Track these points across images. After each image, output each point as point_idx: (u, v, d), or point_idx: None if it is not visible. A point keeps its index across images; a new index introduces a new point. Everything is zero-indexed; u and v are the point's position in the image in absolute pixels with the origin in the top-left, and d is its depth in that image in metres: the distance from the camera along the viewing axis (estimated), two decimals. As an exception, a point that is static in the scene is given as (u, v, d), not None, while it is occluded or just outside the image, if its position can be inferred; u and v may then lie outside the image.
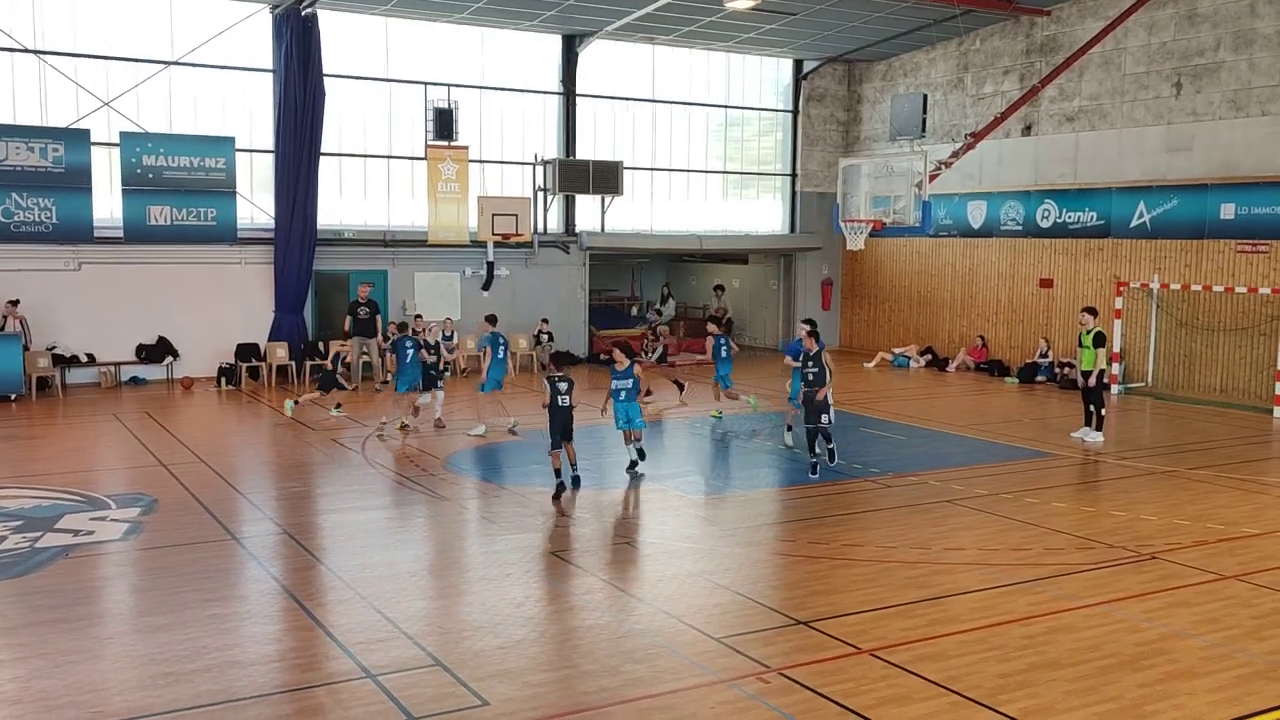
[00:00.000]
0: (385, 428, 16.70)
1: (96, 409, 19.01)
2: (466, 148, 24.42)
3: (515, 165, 25.86)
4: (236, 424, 18.49)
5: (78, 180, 20.62)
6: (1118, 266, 22.94)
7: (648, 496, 13.02)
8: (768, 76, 29.22)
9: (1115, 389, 21.64)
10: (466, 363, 23.98)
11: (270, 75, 22.65)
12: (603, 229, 26.83)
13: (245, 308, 22.67)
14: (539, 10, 23.43)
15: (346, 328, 21.22)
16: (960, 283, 26.66)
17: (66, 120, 21.01)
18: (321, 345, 23.06)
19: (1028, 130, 24.90)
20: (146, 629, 8.46)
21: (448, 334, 23.36)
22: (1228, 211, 21.03)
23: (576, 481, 13.18)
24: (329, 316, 23.72)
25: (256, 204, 22.95)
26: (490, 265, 24.95)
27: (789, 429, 15.98)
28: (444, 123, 23.93)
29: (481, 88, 25.20)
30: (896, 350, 27.14)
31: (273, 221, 22.75)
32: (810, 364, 13.90)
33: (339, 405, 18.50)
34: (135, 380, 21.89)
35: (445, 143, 24.00)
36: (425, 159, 24.08)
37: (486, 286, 25.03)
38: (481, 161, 25.23)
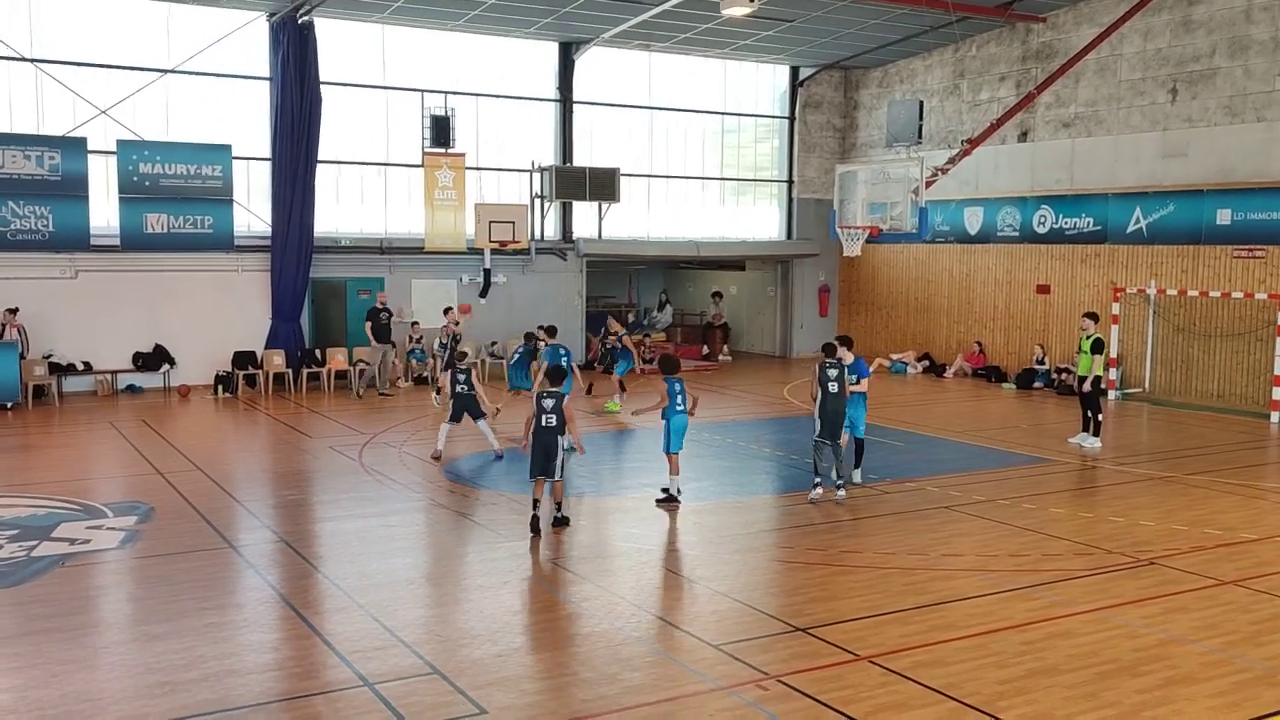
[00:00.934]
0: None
1: (93, 417, 18.98)
2: (463, 155, 24.44)
3: (512, 172, 25.88)
4: (233, 432, 18.46)
5: (74, 188, 20.61)
6: (1114, 272, 22.97)
7: (646, 503, 12.99)
8: (764, 83, 29.27)
9: (1113, 395, 21.66)
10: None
11: (267, 83, 22.65)
12: (600, 236, 26.84)
13: (242, 315, 22.65)
14: (535, 18, 23.46)
15: (370, 334, 21.69)
16: (957, 289, 26.68)
17: (63, 128, 21.01)
18: (319, 353, 23.05)
19: (1024, 136, 24.94)
20: (143, 638, 8.43)
21: (444, 340, 23.41)
22: (1224, 217, 21.07)
23: (559, 522, 11.60)
24: (326, 324, 23.72)
25: (253, 211, 22.94)
26: (487, 272, 24.94)
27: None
28: (441, 130, 23.94)
29: (478, 95, 25.23)
30: (894, 356, 27.14)
31: (269, 229, 22.74)
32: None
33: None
34: (132, 388, 21.86)
35: (442, 150, 24.01)
36: (422, 166, 24.10)
37: (483, 294, 25.03)
38: (479, 169, 25.24)
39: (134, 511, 12.21)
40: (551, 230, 26.44)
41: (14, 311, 20.07)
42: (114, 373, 21.63)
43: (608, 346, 21.51)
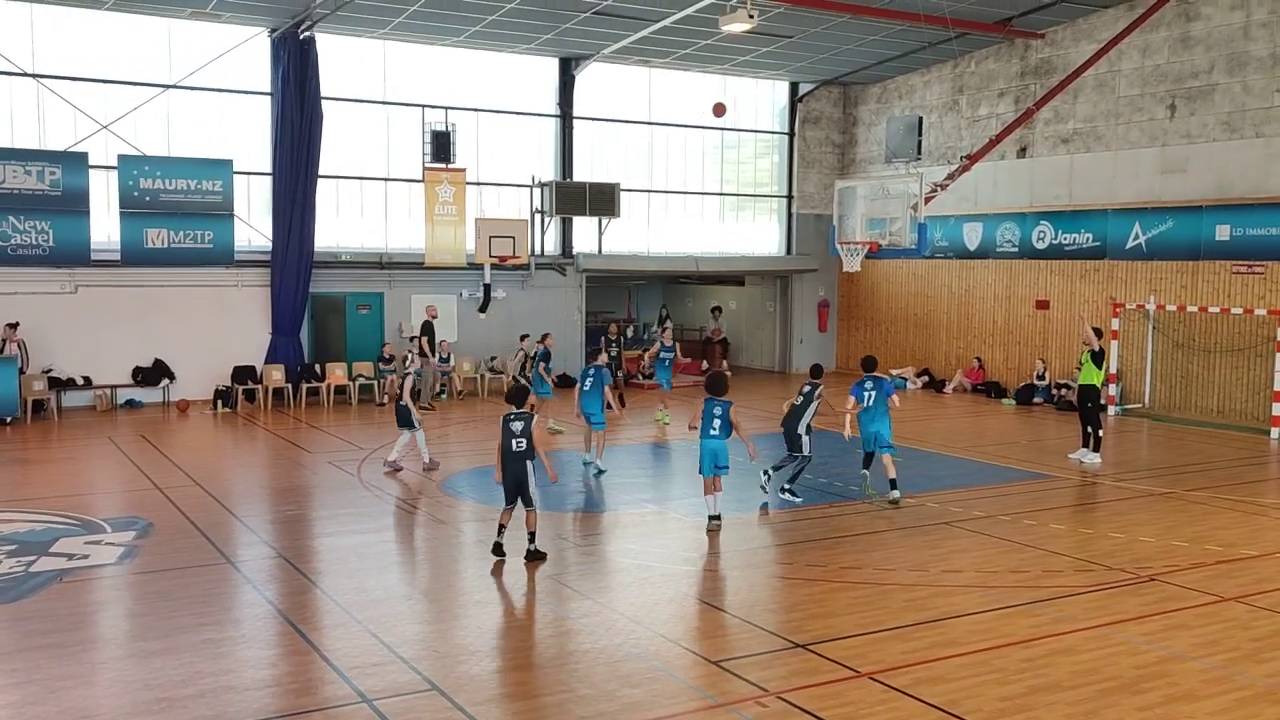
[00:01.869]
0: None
1: (92, 432, 18.96)
2: (464, 170, 24.49)
3: (512, 187, 25.93)
4: (232, 447, 18.44)
5: (75, 203, 20.64)
6: (1114, 288, 22.99)
7: (645, 519, 12.98)
8: (764, 99, 29.35)
9: (1112, 410, 21.66)
10: (463, 384, 24.04)
11: (268, 98, 22.72)
12: (600, 251, 26.88)
13: (242, 330, 22.66)
14: (535, 34, 23.54)
15: (424, 349, 22.20)
16: (956, 304, 26.70)
17: (64, 143, 21.06)
18: (318, 368, 23.05)
19: (1023, 152, 25.00)
20: (141, 654, 8.41)
21: (445, 355, 23.45)
22: (1223, 233, 21.10)
23: (533, 556, 10.79)
24: (325, 339, 23.73)
25: (254, 226, 22.97)
26: (487, 287, 24.95)
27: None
28: (441, 145, 23.99)
29: (479, 110, 25.29)
30: (894, 372, 27.05)
31: (270, 244, 22.77)
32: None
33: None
34: (131, 403, 21.85)
35: (442, 165, 24.06)
36: (423, 181, 24.14)
37: (483, 309, 25.04)
38: (479, 184, 25.29)
39: (132, 527, 12.18)
40: (551, 245, 26.48)
41: (14, 326, 20.07)
42: (113, 387, 21.62)
43: (612, 355, 21.52)
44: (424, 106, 24.43)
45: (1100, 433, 16.74)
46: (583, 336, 26.69)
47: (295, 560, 11.01)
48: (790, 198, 29.77)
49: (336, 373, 22.97)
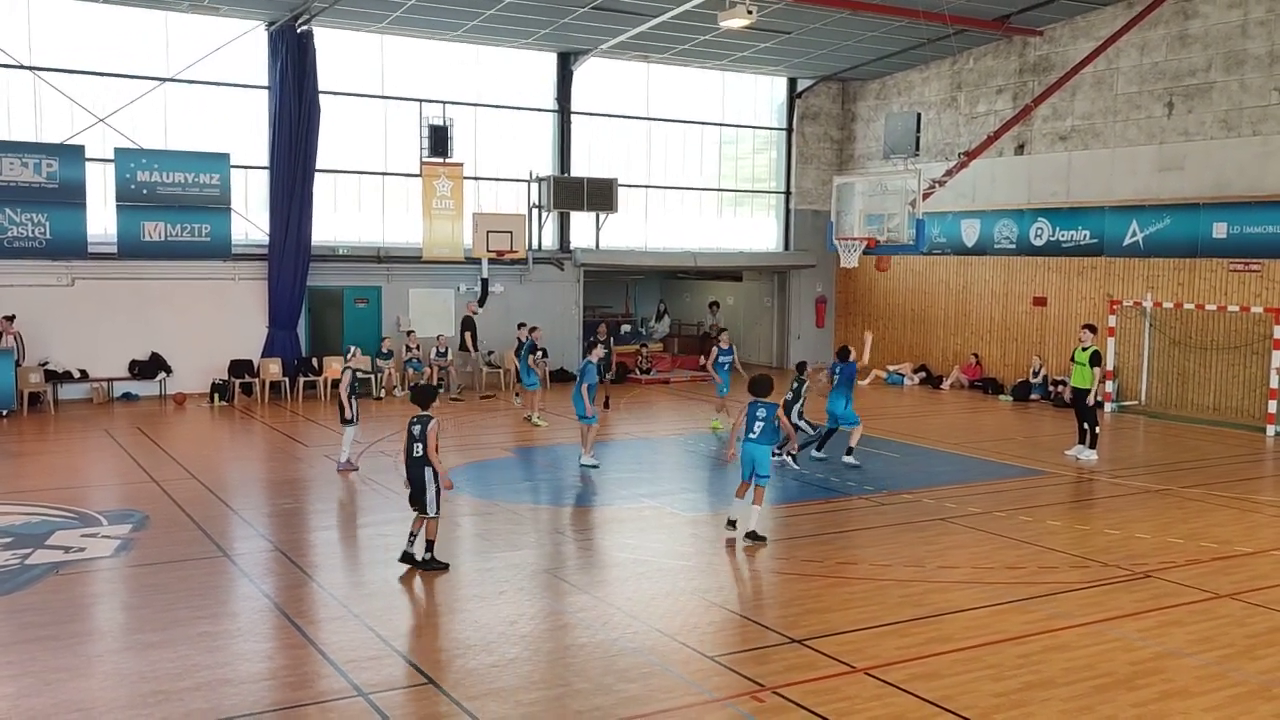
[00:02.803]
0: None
1: (88, 425, 18.95)
2: (461, 164, 24.46)
3: (510, 182, 25.91)
4: (229, 440, 18.43)
5: (72, 196, 20.60)
6: (1111, 285, 23.01)
7: (641, 514, 12.98)
8: (762, 95, 29.33)
9: (1109, 407, 21.69)
10: (460, 378, 24.03)
11: (265, 92, 22.67)
12: (597, 246, 26.86)
13: (239, 324, 22.64)
14: (534, 28, 23.51)
15: (467, 344, 23.02)
16: (954, 301, 26.72)
17: (61, 136, 21.02)
18: (315, 361, 23.04)
19: (1021, 149, 25.01)
20: (137, 646, 8.41)
21: (441, 350, 23.44)
22: (1220, 231, 21.12)
23: (425, 565, 10.24)
24: (322, 333, 23.72)
25: (251, 220, 22.93)
26: (485, 282, 24.95)
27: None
28: (439, 139, 23.95)
29: (477, 105, 25.27)
30: (890, 368, 27.17)
31: (267, 238, 22.75)
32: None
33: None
34: (128, 396, 21.83)
35: (440, 159, 24.03)
36: (420, 176, 24.11)
37: (481, 303, 25.02)
38: (476, 178, 25.27)
39: (129, 520, 12.18)
40: (549, 240, 26.47)
41: (11, 319, 20.05)
42: (110, 380, 21.59)
43: (601, 356, 21.25)
44: (422, 101, 24.40)
45: (1097, 430, 16.76)
46: (580, 331, 26.69)
47: (291, 553, 11.01)
48: (788, 193, 29.76)
49: (333, 366, 22.93)
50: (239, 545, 11.38)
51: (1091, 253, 23.45)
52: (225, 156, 22.15)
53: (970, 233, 26.17)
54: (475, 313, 23.78)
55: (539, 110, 26.17)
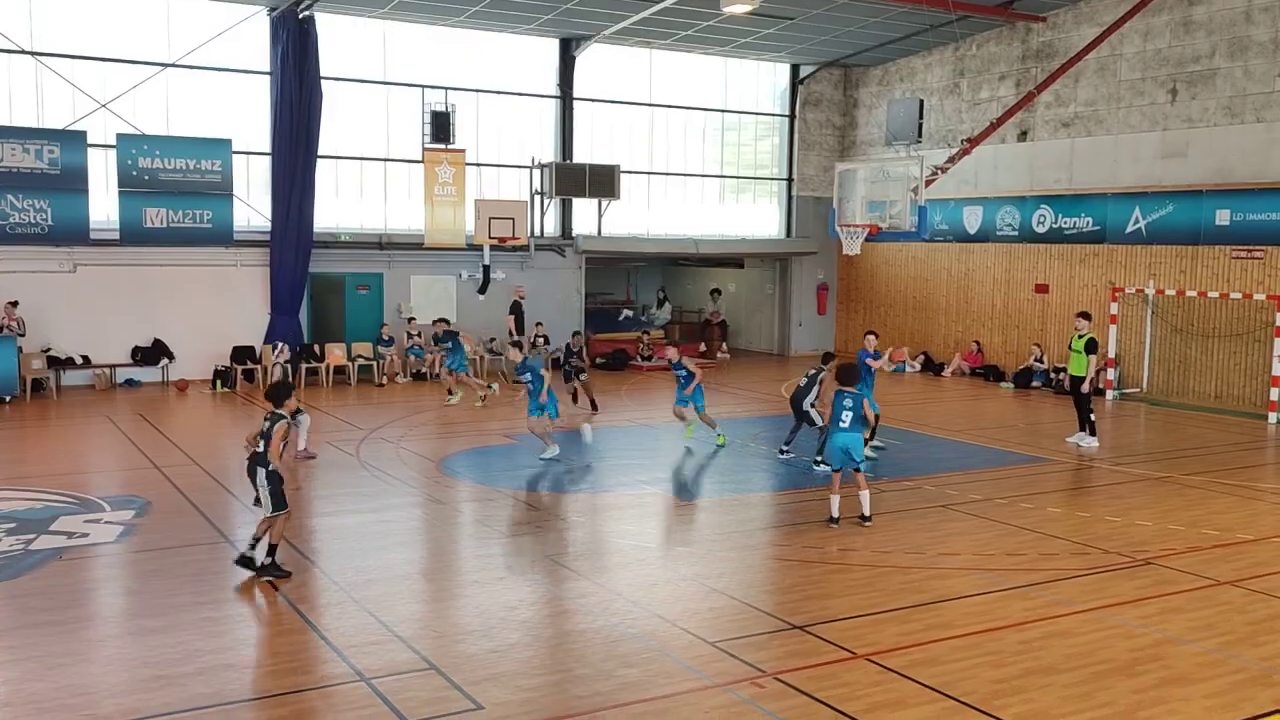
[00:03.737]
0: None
1: (91, 411, 18.96)
2: (463, 151, 24.42)
3: (512, 169, 25.87)
4: (231, 426, 18.42)
5: (74, 182, 20.59)
6: (1113, 272, 22.98)
7: (642, 501, 13.00)
8: (764, 81, 29.26)
9: (1110, 394, 21.69)
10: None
11: (267, 77, 22.62)
12: (599, 232, 26.83)
13: (241, 310, 22.65)
14: (536, 14, 23.44)
15: (512, 330, 23.17)
16: (956, 288, 26.69)
17: (63, 122, 20.98)
18: (317, 348, 23.04)
19: (1024, 136, 24.94)
20: (139, 632, 8.43)
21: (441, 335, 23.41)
22: (1223, 217, 21.07)
23: (266, 570, 9.63)
24: (324, 319, 23.72)
25: (253, 206, 22.92)
26: (486, 268, 24.93)
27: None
28: (441, 125, 23.92)
29: (479, 91, 25.21)
30: (891, 353, 27.17)
31: (269, 224, 22.73)
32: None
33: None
34: (130, 382, 21.85)
35: (442, 145, 23.99)
36: (422, 162, 24.08)
37: (482, 290, 25.03)
38: (478, 165, 25.23)
39: (131, 505, 12.21)
40: (551, 227, 26.44)
41: (14, 305, 20.05)
42: (112, 367, 21.61)
43: (573, 365, 19.80)
44: (424, 87, 24.35)
45: (1092, 417, 16.71)
46: (582, 318, 26.68)
47: (293, 539, 11.01)
48: (790, 180, 29.71)
49: (335, 353, 22.96)
50: (241, 531, 11.38)
51: (1094, 240, 23.41)
52: (227, 142, 22.12)
53: (972, 220, 26.12)
54: (522, 298, 24.00)
55: (541, 96, 26.12)
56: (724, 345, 29.79)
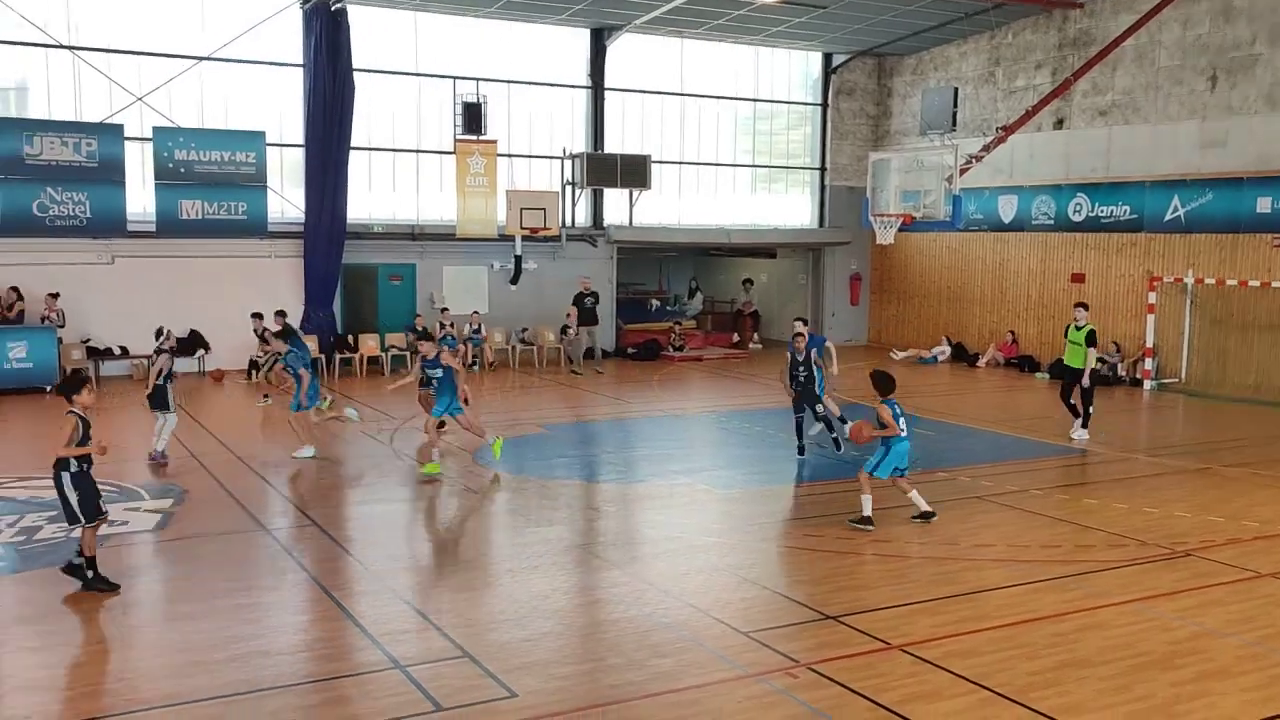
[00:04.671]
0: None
1: (129, 401, 19.14)
2: (495, 142, 24.47)
3: (543, 159, 25.90)
4: (266, 416, 18.58)
5: (111, 174, 20.83)
6: (1151, 261, 22.69)
7: (674, 491, 12.99)
8: (797, 70, 29.11)
9: (1148, 385, 21.46)
10: (494, 356, 24.13)
11: (300, 70, 22.77)
12: (630, 223, 26.82)
13: (275, 301, 22.71)
14: (568, 4, 23.42)
15: (572, 319, 23.45)
16: (990, 278, 26.47)
17: (100, 115, 21.21)
18: (351, 338, 23.18)
19: (1060, 124, 24.67)
20: (176, 618, 8.53)
21: (475, 327, 23.52)
22: (1264, 205, 20.75)
23: (90, 584, 8.93)
24: (358, 309, 23.86)
25: (286, 198, 23.08)
26: (518, 259, 25.00)
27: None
28: (473, 117, 23.98)
29: (510, 82, 25.24)
30: (913, 349, 27.06)
31: (302, 215, 22.88)
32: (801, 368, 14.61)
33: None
34: (167, 372, 22.03)
35: (474, 137, 24.05)
36: (454, 153, 24.15)
37: (514, 280, 25.09)
38: (510, 155, 25.27)
39: (169, 494, 12.34)
40: (582, 217, 26.45)
41: (55, 296, 20.32)
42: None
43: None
44: (455, 78, 24.40)
45: (1090, 409, 16.36)
46: (614, 308, 26.67)
47: (328, 527, 11.11)
48: (823, 170, 29.56)
49: (369, 344, 23.08)
50: (276, 520, 11.51)
51: (1131, 229, 23.13)
52: (261, 135, 22.28)
53: (1007, 209, 25.89)
54: (588, 290, 24.13)
55: (572, 87, 26.11)
56: (756, 335, 29.72)
